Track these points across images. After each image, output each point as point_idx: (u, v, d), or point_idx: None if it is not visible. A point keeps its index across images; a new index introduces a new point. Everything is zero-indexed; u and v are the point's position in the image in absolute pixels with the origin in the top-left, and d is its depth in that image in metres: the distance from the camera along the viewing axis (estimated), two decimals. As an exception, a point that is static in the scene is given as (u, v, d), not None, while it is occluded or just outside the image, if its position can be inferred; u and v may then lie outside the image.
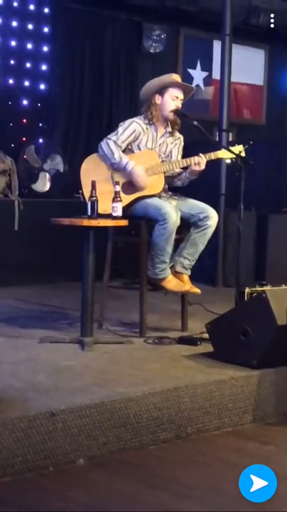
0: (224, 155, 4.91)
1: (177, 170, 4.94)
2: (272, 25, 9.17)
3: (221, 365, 4.10)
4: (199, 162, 4.81)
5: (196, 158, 4.80)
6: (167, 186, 4.99)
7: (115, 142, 4.85)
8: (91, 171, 4.86)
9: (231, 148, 4.85)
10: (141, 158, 4.88)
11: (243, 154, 4.81)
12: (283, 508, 2.86)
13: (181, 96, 4.95)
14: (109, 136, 4.90)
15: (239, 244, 4.87)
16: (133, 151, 4.93)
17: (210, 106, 9.53)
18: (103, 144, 4.88)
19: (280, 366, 4.09)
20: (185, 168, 4.92)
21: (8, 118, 7.78)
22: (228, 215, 7.23)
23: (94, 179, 4.54)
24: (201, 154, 4.81)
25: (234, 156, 4.81)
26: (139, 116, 5.00)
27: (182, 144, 5.08)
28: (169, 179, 5.00)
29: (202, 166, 4.83)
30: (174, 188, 5.10)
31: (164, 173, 4.89)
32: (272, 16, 9.06)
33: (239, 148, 4.83)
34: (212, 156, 4.87)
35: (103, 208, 4.47)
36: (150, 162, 4.87)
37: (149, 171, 4.84)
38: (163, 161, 4.96)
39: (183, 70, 9.32)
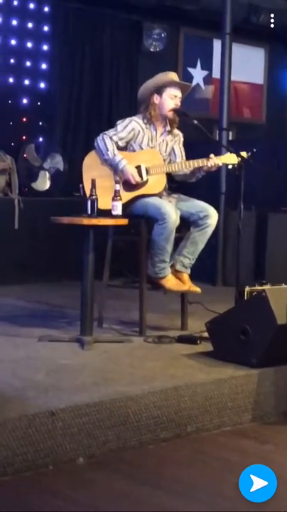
0: (229, 160, 4.90)
1: (188, 170, 4.94)
2: (272, 25, 9.16)
3: (220, 364, 4.10)
4: (218, 165, 4.84)
5: (214, 163, 4.80)
6: (167, 186, 4.99)
7: (111, 138, 4.85)
8: (93, 166, 4.86)
9: (238, 154, 4.84)
10: (143, 157, 4.88)
11: (245, 156, 4.82)
12: (281, 508, 2.85)
13: (179, 94, 4.95)
14: (106, 132, 4.90)
15: (238, 243, 4.88)
16: (134, 151, 4.93)
17: (210, 105, 9.52)
18: (99, 138, 4.88)
19: (279, 365, 4.09)
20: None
21: (8, 117, 7.78)
22: (228, 214, 7.24)
23: (95, 174, 4.54)
24: (212, 155, 4.81)
25: (237, 162, 4.81)
26: (138, 115, 4.99)
27: (182, 139, 5.09)
28: (180, 177, 5.01)
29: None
30: (175, 187, 5.10)
31: (169, 173, 4.90)
32: (272, 15, 9.06)
33: (242, 155, 4.83)
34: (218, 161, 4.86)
35: (103, 203, 4.47)
36: (153, 161, 4.87)
37: (152, 170, 4.84)
38: (164, 160, 4.96)
39: (183, 69, 9.32)
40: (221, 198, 7.38)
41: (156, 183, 4.86)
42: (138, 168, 4.82)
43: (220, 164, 4.86)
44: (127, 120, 4.94)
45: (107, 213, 4.52)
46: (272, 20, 9.12)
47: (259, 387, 3.97)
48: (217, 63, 8.09)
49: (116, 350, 4.35)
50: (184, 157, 5.05)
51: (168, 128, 5.01)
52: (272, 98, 10.28)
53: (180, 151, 5.05)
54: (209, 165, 4.80)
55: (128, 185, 4.81)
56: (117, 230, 4.92)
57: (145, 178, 4.83)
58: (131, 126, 4.91)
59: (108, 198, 4.51)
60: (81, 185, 4.92)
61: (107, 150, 4.82)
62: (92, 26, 8.47)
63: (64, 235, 5.93)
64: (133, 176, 4.78)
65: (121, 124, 4.92)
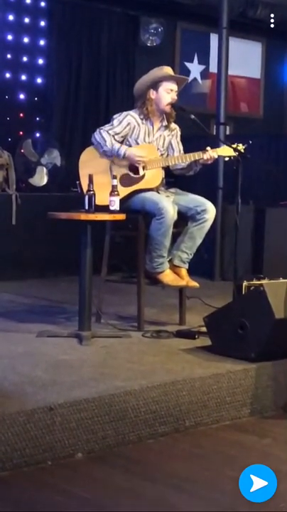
0: (225, 152, 4.90)
1: (185, 164, 4.93)
2: (270, 19, 9.15)
3: (219, 359, 4.10)
4: (213, 157, 4.83)
5: (210, 156, 4.79)
6: (164, 180, 4.99)
7: (107, 132, 4.85)
8: (90, 163, 4.86)
9: (232, 146, 4.84)
10: (139, 152, 4.87)
11: (242, 150, 4.82)
12: (280, 504, 2.85)
13: (175, 88, 4.95)
14: (102, 127, 4.90)
15: (236, 237, 4.88)
16: (130, 146, 4.92)
17: (207, 99, 9.52)
18: (95, 133, 4.88)
19: (277, 359, 4.10)
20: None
21: (5, 112, 7.77)
22: (226, 208, 7.24)
23: (92, 171, 4.53)
24: (209, 148, 4.81)
25: (234, 154, 4.81)
26: (134, 110, 4.99)
27: (179, 133, 5.08)
28: (178, 171, 5.01)
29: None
30: (172, 181, 5.10)
31: (168, 166, 4.89)
32: (269, 9, 9.04)
33: (238, 147, 4.83)
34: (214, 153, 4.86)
35: (100, 199, 4.47)
36: (149, 156, 4.87)
37: (148, 165, 4.84)
38: (162, 155, 4.96)
39: (180, 64, 9.32)
40: (219, 193, 7.37)
41: (153, 177, 4.86)
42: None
43: (216, 157, 4.86)
44: (123, 114, 4.94)
45: (105, 209, 4.51)
46: (269, 15, 9.11)
47: (257, 381, 3.97)
48: (214, 58, 8.07)
49: (114, 346, 4.35)
50: (181, 151, 5.05)
51: (165, 122, 5.01)
52: (269, 92, 10.28)
53: (177, 145, 5.05)
54: (205, 157, 4.80)
55: (126, 180, 4.80)
56: (115, 225, 4.92)
57: (141, 172, 4.83)
58: (126, 120, 4.90)
59: (104, 194, 4.50)
60: (78, 182, 4.91)
61: (105, 141, 4.82)
62: (89, 21, 8.46)
63: (62, 231, 5.92)
64: (141, 156, 4.77)
65: (117, 119, 4.91)
